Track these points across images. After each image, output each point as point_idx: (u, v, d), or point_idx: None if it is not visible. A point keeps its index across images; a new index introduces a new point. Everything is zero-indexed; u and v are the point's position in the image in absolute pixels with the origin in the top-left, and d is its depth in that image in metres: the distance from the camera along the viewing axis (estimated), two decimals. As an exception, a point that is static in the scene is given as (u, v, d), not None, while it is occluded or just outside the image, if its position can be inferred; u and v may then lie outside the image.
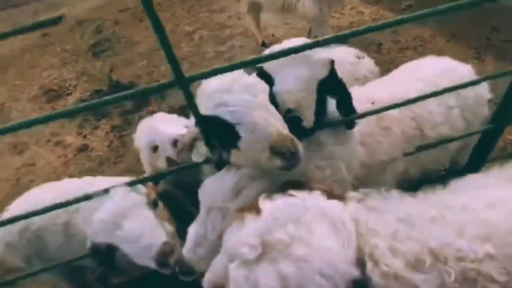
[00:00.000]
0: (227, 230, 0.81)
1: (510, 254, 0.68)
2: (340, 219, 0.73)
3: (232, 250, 0.74)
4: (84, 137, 4.03)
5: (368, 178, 1.45)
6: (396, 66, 2.06)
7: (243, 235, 0.73)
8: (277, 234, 0.70)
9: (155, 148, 1.70)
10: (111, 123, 4.14)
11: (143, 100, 4.38)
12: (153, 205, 1.16)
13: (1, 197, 3.49)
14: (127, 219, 1.05)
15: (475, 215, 0.75)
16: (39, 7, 11.19)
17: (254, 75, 1.03)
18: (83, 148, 3.83)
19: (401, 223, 0.77)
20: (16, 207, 1.85)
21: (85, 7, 10.55)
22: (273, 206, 0.77)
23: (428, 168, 1.75)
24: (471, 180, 0.99)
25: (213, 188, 0.98)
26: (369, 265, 0.71)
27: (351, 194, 0.90)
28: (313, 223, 0.70)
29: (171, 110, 3.97)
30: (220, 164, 1.03)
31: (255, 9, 4.21)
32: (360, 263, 0.70)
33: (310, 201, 0.77)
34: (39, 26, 9.50)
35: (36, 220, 1.72)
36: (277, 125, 0.91)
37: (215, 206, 0.95)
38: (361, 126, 1.36)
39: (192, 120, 1.28)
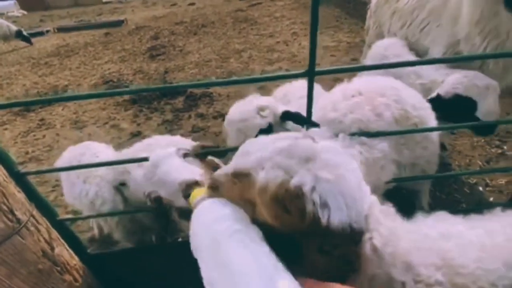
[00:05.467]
0: None
1: None
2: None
3: None
4: (138, 125, 4.44)
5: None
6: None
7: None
8: None
9: None
10: (163, 117, 4.56)
11: (194, 102, 4.81)
12: (183, 155, 1.24)
13: (59, 164, 3.88)
14: (159, 167, 1.16)
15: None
16: (104, 10, 12.53)
17: None
18: (136, 134, 4.21)
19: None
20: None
21: (145, 15, 11.66)
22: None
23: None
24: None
25: None
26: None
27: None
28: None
29: (217, 116, 4.36)
30: None
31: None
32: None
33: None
34: (102, 26, 10.58)
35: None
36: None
37: None
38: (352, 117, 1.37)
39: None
